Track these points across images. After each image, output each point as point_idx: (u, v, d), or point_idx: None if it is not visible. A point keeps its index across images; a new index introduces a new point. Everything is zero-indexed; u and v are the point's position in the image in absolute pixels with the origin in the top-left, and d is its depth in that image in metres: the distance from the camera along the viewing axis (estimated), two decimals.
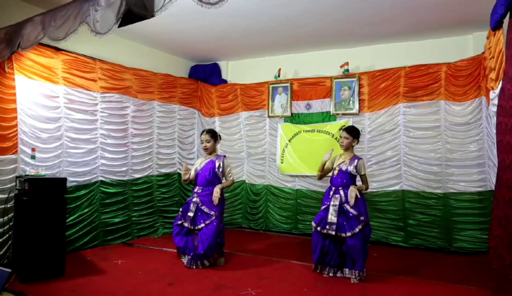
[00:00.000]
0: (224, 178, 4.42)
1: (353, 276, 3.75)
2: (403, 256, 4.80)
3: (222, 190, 4.27)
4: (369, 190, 5.38)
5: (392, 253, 4.97)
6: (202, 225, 4.20)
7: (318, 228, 3.86)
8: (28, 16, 3.53)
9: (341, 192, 3.89)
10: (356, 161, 3.97)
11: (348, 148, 4.03)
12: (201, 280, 3.76)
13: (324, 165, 4.13)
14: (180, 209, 4.42)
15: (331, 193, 3.96)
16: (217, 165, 4.33)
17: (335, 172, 4.01)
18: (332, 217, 3.81)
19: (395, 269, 4.19)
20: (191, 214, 4.25)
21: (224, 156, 4.47)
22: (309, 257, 4.67)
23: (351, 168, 3.94)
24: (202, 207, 4.23)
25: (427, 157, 5.18)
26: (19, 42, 3.53)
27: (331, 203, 3.88)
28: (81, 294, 3.35)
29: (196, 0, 2.42)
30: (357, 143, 4.09)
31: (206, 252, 4.12)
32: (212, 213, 4.20)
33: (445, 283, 3.75)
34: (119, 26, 2.89)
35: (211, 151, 4.40)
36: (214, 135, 4.41)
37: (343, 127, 4.14)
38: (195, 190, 4.36)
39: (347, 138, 3.99)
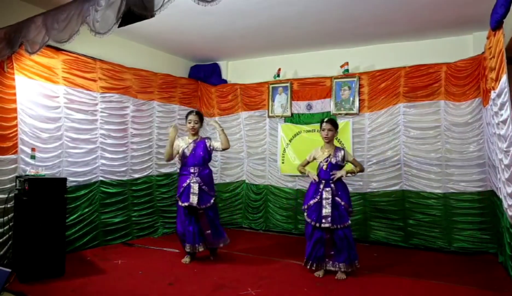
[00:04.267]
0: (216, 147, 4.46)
1: (346, 269, 3.85)
2: (403, 256, 4.80)
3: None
4: (369, 190, 5.46)
5: (392, 253, 4.96)
6: (205, 205, 4.32)
7: (317, 224, 3.86)
8: (28, 16, 3.53)
9: (332, 185, 3.93)
10: (340, 151, 4.07)
11: (331, 140, 4.08)
12: (201, 280, 3.76)
13: (308, 163, 4.21)
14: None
15: (321, 186, 3.96)
16: (208, 144, 4.45)
17: (324, 166, 4.01)
18: (326, 210, 3.85)
19: (395, 269, 4.19)
20: (195, 192, 4.26)
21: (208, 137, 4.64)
22: None
23: (339, 160, 4.02)
24: (203, 187, 4.31)
25: (427, 157, 5.18)
26: (21, 43, 3.53)
27: (324, 196, 3.91)
28: (81, 294, 3.35)
29: None
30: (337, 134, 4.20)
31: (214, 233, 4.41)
32: (212, 193, 4.39)
33: (445, 283, 3.75)
34: (119, 26, 2.90)
35: (197, 132, 4.49)
36: (202, 118, 4.55)
37: (325, 120, 4.12)
38: (191, 171, 4.34)
39: (331, 130, 4.02)
